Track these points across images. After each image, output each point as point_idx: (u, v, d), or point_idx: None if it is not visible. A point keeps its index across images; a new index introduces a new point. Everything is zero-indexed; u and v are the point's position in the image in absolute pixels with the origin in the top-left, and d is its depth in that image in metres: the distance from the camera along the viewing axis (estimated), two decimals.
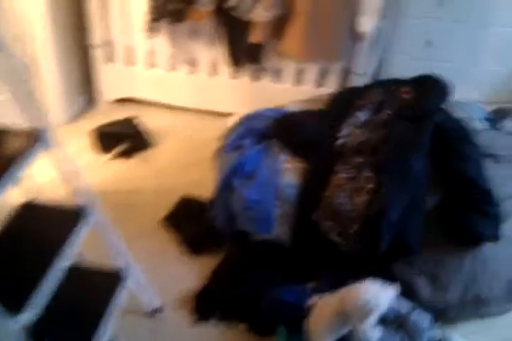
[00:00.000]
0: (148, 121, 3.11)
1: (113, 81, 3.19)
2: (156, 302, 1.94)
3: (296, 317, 1.76)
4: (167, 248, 2.25)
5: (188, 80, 3.08)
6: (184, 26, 2.78)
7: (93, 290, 1.70)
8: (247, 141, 2.13)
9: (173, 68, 3.06)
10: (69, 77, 3.10)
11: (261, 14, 2.34)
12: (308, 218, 1.91)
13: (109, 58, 3.10)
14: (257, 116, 2.27)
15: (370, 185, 1.80)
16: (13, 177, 1.24)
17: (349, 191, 1.83)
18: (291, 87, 2.89)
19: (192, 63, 3.01)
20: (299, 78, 2.87)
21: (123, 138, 2.91)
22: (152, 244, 2.27)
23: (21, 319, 1.24)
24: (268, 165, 2.03)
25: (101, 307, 1.60)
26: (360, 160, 1.88)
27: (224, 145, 2.22)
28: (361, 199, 1.81)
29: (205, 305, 1.97)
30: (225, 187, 2.05)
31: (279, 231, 1.99)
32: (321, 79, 2.83)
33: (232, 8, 2.39)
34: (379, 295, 1.55)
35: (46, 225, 1.55)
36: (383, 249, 1.73)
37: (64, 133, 3.00)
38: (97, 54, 3.08)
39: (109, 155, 2.85)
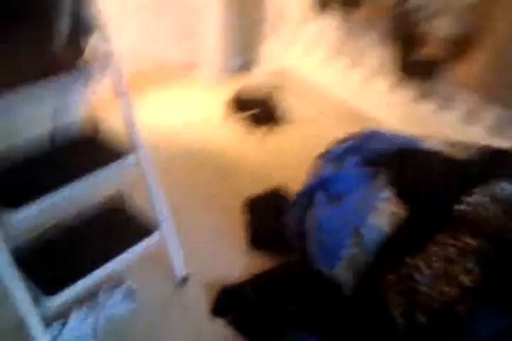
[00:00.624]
0: (291, 100, 2.93)
1: (273, 52, 3.06)
2: (182, 273, 1.82)
3: None
4: (233, 229, 2.09)
5: (344, 73, 2.74)
6: (358, 17, 2.45)
7: (120, 232, 1.65)
8: (352, 158, 1.79)
9: (333, 57, 2.77)
10: (232, 35, 3.02)
11: (442, 28, 1.88)
12: (377, 277, 1.57)
13: (277, 30, 2.94)
14: (380, 136, 1.88)
15: (467, 282, 1.38)
16: None
17: (438, 273, 1.43)
18: (454, 122, 2.29)
19: (355, 57, 2.69)
20: (470, 115, 2.26)
21: (258, 107, 2.81)
22: (222, 219, 2.12)
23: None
24: (362, 196, 1.68)
25: (115, 249, 1.55)
26: (471, 242, 1.44)
27: (328, 152, 1.92)
28: (448, 290, 1.39)
29: (226, 303, 1.79)
30: (306, 197, 1.77)
31: (342, 273, 1.68)
32: (501, 126, 2.22)
33: (412, 11, 1.97)
34: None
35: None
36: None
37: (210, 86, 3.00)
38: (267, 23, 2.94)
39: (237, 117, 2.77)
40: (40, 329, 1.43)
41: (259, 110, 2.78)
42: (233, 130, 2.71)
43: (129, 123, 1.50)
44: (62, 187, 1.37)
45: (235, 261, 1.93)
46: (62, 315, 1.62)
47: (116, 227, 1.66)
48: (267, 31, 3.01)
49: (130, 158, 1.50)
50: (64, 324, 1.60)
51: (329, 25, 2.67)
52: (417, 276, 1.44)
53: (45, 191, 1.34)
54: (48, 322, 1.57)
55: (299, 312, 1.68)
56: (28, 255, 1.51)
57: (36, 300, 1.40)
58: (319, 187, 1.75)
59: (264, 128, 2.73)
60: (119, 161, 1.48)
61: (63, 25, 1.31)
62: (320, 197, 1.73)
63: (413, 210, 1.62)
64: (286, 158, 2.50)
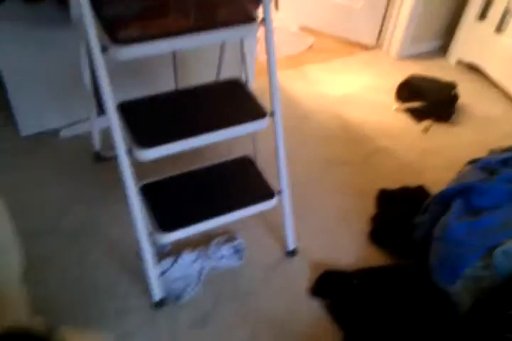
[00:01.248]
0: (471, 98, 2.64)
1: (472, 42, 2.75)
2: (292, 246, 1.81)
3: None
4: (357, 216, 1.99)
5: None
6: None
7: (242, 188, 1.69)
8: (507, 172, 1.57)
9: None
10: (423, 18, 2.79)
11: None
12: (500, 310, 1.38)
13: (482, 17, 2.64)
14: None
15: None
16: None
17: None
18: None
19: None
20: None
21: (430, 98, 2.56)
22: (349, 204, 2.04)
23: None
24: (507, 216, 1.48)
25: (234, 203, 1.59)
26: None
27: (482, 159, 1.71)
28: None
29: (328, 285, 1.73)
30: (443, 201, 1.61)
31: (460, 292, 1.51)
32: None
33: None
34: None
35: None
36: None
37: (387, 65, 2.86)
38: (471, 8, 2.65)
39: (400, 106, 2.59)
40: (152, 262, 1.53)
41: (430, 101, 2.54)
42: (395, 116, 2.55)
43: (272, 86, 1.49)
44: (198, 134, 1.42)
45: (350, 249, 1.85)
46: (173, 255, 1.72)
47: (240, 183, 1.68)
48: (468, 17, 2.72)
49: (265, 120, 1.50)
50: (174, 262, 1.69)
51: None
52: None
53: (181, 134, 1.40)
54: (160, 258, 1.69)
55: (402, 320, 1.56)
56: (155, 192, 1.61)
57: (152, 234, 1.50)
58: (461, 194, 1.58)
59: (429, 122, 2.52)
60: (257, 120, 1.48)
61: None
62: (458, 205, 1.57)
63: None
64: (440, 158, 2.29)
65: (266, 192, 1.64)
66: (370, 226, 1.95)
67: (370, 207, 2.02)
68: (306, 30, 3.14)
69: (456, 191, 1.62)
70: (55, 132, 2.21)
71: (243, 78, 1.69)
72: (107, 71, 1.30)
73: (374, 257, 1.82)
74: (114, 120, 1.35)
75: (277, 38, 2.98)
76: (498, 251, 1.42)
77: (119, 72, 1.76)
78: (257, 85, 2.17)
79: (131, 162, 1.40)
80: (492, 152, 1.75)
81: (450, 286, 1.53)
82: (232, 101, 1.61)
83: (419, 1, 2.71)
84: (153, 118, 1.52)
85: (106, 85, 1.31)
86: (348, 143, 2.35)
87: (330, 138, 2.37)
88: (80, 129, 2.19)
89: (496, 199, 1.53)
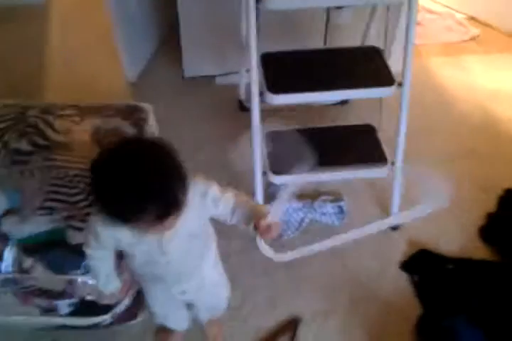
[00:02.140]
0: None
1: None
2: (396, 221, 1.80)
3: None
4: (472, 209, 1.90)
5: None
6: None
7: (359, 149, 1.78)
8: None
9: None
10: None
11: None
12: None
13: None
14: None
15: None
16: None
17: None
18: None
19: None
20: None
21: None
22: (469, 193, 1.96)
23: None
24: None
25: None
26: None
27: None
28: None
29: (420, 263, 1.73)
30: None
31: None
32: None
33: None
34: None
35: None
36: None
37: None
38: None
39: None
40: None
41: None
42: None
43: (406, 57, 1.53)
44: (325, 90, 1.50)
45: (454, 237, 1.80)
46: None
47: (358, 144, 1.74)
48: None
49: (391, 89, 1.52)
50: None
51: None
52: None
53: (309, 87, 1.50)
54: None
55: (485, 310, 1.51)
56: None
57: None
58: None
59: None
60: (382, 87, 1.52)
61: None
62: None
63: None
64: None
65: (379, 159, 1.68)
66: (484, 221, 1.87)
67: (489, 203, 1.93)
68: (473, 20, 2.98)
69: None
70: (211, 78, 2.43)
71: (384, 47, 1.72)
72: (259, 21, 1.43)
73: (477, 251, 1.76)
74: (254, 67, 1.49)
75: (440, 23, 2.89)
76: None
77: (272, 26, 1.90)
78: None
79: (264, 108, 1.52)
80: None
81: None
82: (366, 66, 1.66)
83: None
84: (289, 69, 1.64)
85: (253, 34, 1.45)
86: (487, 138, 2.23)
87: (469, 128, 2.27)
88: (232, 79, 2.40)
89: None
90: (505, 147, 2.18)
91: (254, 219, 1.00)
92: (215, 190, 1.02)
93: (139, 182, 0.81)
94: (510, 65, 2.69)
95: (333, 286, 1.64)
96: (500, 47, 2.79)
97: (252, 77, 1.51)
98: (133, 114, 1.46)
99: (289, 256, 1.13)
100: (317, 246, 1.11)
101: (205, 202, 1.00)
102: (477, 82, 2.55)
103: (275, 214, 0.99)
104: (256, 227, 0.99)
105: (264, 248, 1.09)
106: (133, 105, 1.56)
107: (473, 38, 2.83)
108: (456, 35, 2.84)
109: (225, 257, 1.31)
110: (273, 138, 1.75)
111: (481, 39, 2.84)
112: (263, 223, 0.98)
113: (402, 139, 1.66)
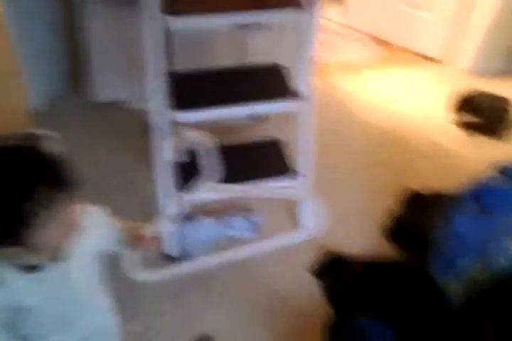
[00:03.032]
0: None
1: None
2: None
3: None
4: (377, 212, 2.00)
5: None
6: None
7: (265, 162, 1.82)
8: None
9: None
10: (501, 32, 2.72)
11: None
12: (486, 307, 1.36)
13: None
14: None
15: None
16: None
17: None
18: None
19: None
20: None
21: (484, 115, 2.52)
22: (373, 200, 2.06)
23: None
24: None
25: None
26: None
27: (506, 166, 1.67)
28: None
29: (330, 269, 1.77)
30: (456, 200, 1.60)
31: (453, 286, 1.50)
32: None
33: None
34: None
35: None
36: None
37: (450, 78, 2.81)
38: None
39: (456, 118, 2.56)
40: (170, 217, 1.66)
41: (487, 118, 2.50)
42: (448, 128, 2.51)
43: (301, 70, 1.58)
44: (230, 105, 1.54)
45: (363, 241, 1.87)
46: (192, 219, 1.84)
47: (264, 157, 1.78)
48: None
49: (296, 103, 1.59)
50: (191, 225, 1.81)
51: None
52: None
53: (214, 103, 1.54)
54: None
55: (392, 306, 1.56)
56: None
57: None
58: (476, 194, 1.58)
59: (479, 136, 2.46)
60: (284, 101, 1.58)
61: None
62: (471, 204, 1.56)
63: None
64: (481, 169, 2.23)
65: (285, 171, 1.73)
66: (389, 223, 1.96)
67: (393, 206, 2.03)
68: (372, 38, 3.18)
69: (471, 192, 1.61)
70: (123, 103, 2.42)
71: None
72: (172, 42, 1.44)
73: (386, 253, 1.83)
74: (151, 83, 1.50)
75: (341, 42, 3.06)
76: (497, 249, 1.41)
77: (185, 46, 1.92)
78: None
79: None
80: None
81: (446, 280, 1.51)
82: (269, 82, 1.72)
83: (492, 15, 2.64)
84: (195, 87, 1.68)
85: (152, 53, 1.47)
86: (394, 148, 2.36)
87: (371, 137, 2.39)
88: (144, 103, 2.40)
89: (508, 202, 1.51)
90: (411, 156, 2.31)
91: (135, 231, 0.99)
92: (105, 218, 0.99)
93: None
94: (408, 79, 2.88)
95: (246, 299, 1.64)
96: (398, 62, 2.99)
97: (150, 95, 1.52)
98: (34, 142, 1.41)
99: (155, 275, 1.08)
100: (213, 259, 1.10)
101: (95, 230, 0.96)
102: (381, 98, 2.71)
103: (159, 229, 0.99)
104: (136, 240, 0.99)
105: (130, 267, 1.05)
106: (32, 133, 1.51)
107: (373, 55, 3.01)
108: (358, 53, 3.01)
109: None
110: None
111: (381, 56, 3.04)
112: (143, 233, 0.97)
113: (308, 151, 1.71)
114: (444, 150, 2.34)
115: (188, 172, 1.69)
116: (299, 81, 1.65)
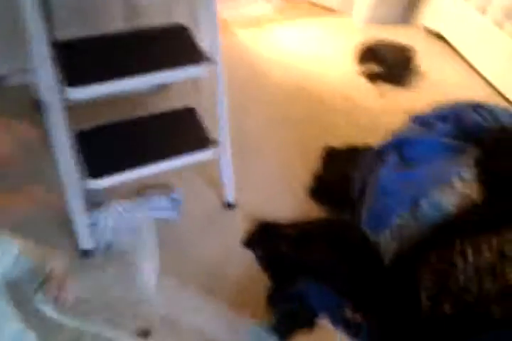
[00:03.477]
0: (431, 64, 2.60)
1: (439, 10, 2.69)
2: (230, 199, 1.77)
3: (293, 316, 1.38)
4: (300, 172, 1.96)
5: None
6: None
7: (180, 136, 1.63)
8: (442, 127, 1.54)
9: (499, 23, 2.37)
10: None
11: None
12: (418, 253, 1.37)
13: None
14: (486, 109, 1.59)
15: None
16: None
17: (484, 266, 1.19)
18: None
19: None
20: None
21: (386, 63, 2.52)
22: (294, 160, 2.01)
23: None
24: (438, 168, 1.45)
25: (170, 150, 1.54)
26: None
27: (420, 115, 1.68)
28: (489, 287, 1.16)
29: (261, 237, 1.72)
30: (379, 155, 1.58)
31: (386, 241, 1.50)
32: None
33: None
34: None
35: None
36: None
37: (351, 29, 2.78)
38: None
39: (359, 69, 2.54)
40: (81, 211, 1.48)
41: (388, 66, 2.49)
42: (353, 78, 2.48)
43: (207, 29, 1.43)
44: (131, 76, 1.35)
45: (289, 204, 1.82)
46: (106, 205, 1.67)
47: (178, 132, 1.63)
48: None
49: (204, 67, 1.43)
50: (106, 211, 1.64)
51: None
52: (460, 262, 1.23)
53: (113, 75, 1.34)
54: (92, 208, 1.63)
55: (327, 267, 1.54)
56: (88, 139, 1.55)
57: (81, 180, 1.44)
58: (396, 147, 1.56)
59: (386, 86, 2.47)
60: (193, 66, 1.42)
61: None
62: (393, 157, 1.54)
63: (489, 199, 1.38)
64: (393, 120, 2.25)
65: (202, 142, 1.59)
66: (312, 182, 1.93)
67: (313, 164, 1.99)
68: None
69: (391, 143, 1.59)
70: (5, 78, 2.11)
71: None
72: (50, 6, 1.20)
73: (313, 213, 1.80)
74: (39, 58, 1.27)
75: None
76: (425, 201, 1.40)
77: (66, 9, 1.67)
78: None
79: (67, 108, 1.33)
80: (434, 109, 1.72)
81: (378, 236, 1.51)
82: (173, 46, 1.53)
83: None
84: (90, 58, 1.45)
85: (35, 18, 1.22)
86: (303, 102, 2.30)
87: (284, 96, 2.31)
88: (25, 78, 2.10)
89: (430, 151, 1.51)
90: (321, 109, 2.26)
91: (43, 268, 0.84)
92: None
93: None
94: (311, 31, 2.82)
95: (181, 280, 1.53)
96: (299, 15, 2.91)
97: (41, 72, 1.28)
98: None
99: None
100: None
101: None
102: (286, 51, 2.62)
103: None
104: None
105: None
106: None
107: (275, 9, 2.89)
108: (259, 8, 2.88)
109: None
110: (84, 138, 1.55)
111: (281, 9, 2.93)
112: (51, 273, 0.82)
113: (224, 117, 1.59)
114: (356, 104, 2.33)
115: (94, 153, 1.50)
116: (205, 42, 1.49)
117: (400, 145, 1.53)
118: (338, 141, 2.07)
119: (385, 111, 2.30)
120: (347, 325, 1.26)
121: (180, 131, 1.67)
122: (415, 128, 1.63)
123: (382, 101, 2.36)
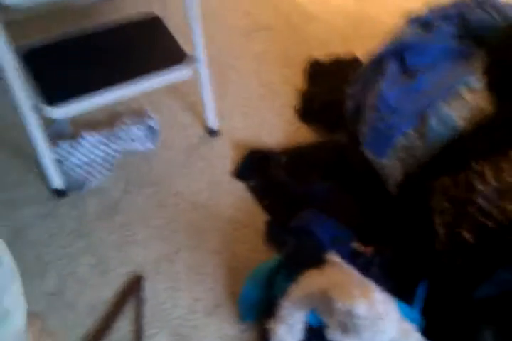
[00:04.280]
0: None
1: None
2: (213, 125, 1.59)
3: (301, 251, 1.29)
4: (285, 91, 1.76)
5: None
6: None
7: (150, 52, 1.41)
8: (445, 28, 1.36)
9: None
10: None
11: None
12: (429, 177, 1.26)
13: None
14: (493, 4, 1.41)
15: None
16: None
17: (507, 188, 1.09)
18: None
19: None
20: None
21: None
22: (276, 77, 1.80)
23: None
24: (444, 76, 1.28)
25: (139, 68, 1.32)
26: None
27: (417, 16, 1.48)
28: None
29: (252, 166, 1.58)
30: (376, 65, 1.40)
31: (391, 163, 1.38)
32: None
33: None
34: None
35: None
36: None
37: None
38: None
39: None
40: (44, 145, 1.28)
41: None
42: None
43: None
44: None
45: (277, 128, 1.66)
46: (75, 138, 1.47)
47: (146, 46, 1.39)
48: None
49: None
50: (76, 145, 1.44)
51: None
52: (479, 185, 1.12)
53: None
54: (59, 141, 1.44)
55: (324, 193, 1.43)
56: (41, 59, 1.30)
57: (39, 110, 1.23)
58: (395, 54, 1.37)
59: None
60: None
61: None
62: (393, 67, 1.36)
63: (505, 109, 1.24)
64: (373, 25, 2.03)
65: (177, 56, 1.36)
66: (299, 101, 1.75)
67: (297, 79, 1.79)
68: None
69: (390, 52, 1.40)
70: None
71: None
72: None
73: (302, 134, 1.65)
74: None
75: None
76: (432, 115, 1.26)
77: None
78: None
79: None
80: (431, 8, 1.50)
81: (381, 157, 1.38)
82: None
83: None
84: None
85: None
86: (276, 9, 2.03)
87: (255, 2, 2.04)
88: None
89: (434, 57, 1.34)
90: (296, 16, 2.02)
91: None
92: None
93: None
94: None
95: (168, 222, 1.40)
96: None
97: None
98: None
99: None
100: None
101: None
102: None
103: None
104: None
105: None
106: None
107: None
108: None
109: None
110: (35, 58, 1.30)
111: None
112: None
113: (198, 28, 1.34)
114: (327, 6, 2.07)
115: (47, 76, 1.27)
116: None
117: (399, 52, 1.34)
118: (317, 51, 1.86)
119: (363, 16, 2.06)
120: (358, 260, 1.18)
121: (147, 44, 1.42)
122: (414, 31, 1.43)
123: (359, 5, 2.11)
